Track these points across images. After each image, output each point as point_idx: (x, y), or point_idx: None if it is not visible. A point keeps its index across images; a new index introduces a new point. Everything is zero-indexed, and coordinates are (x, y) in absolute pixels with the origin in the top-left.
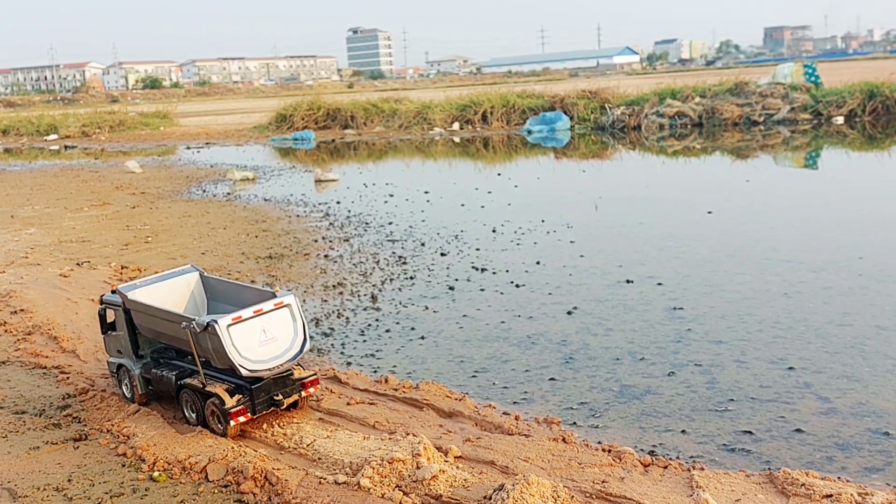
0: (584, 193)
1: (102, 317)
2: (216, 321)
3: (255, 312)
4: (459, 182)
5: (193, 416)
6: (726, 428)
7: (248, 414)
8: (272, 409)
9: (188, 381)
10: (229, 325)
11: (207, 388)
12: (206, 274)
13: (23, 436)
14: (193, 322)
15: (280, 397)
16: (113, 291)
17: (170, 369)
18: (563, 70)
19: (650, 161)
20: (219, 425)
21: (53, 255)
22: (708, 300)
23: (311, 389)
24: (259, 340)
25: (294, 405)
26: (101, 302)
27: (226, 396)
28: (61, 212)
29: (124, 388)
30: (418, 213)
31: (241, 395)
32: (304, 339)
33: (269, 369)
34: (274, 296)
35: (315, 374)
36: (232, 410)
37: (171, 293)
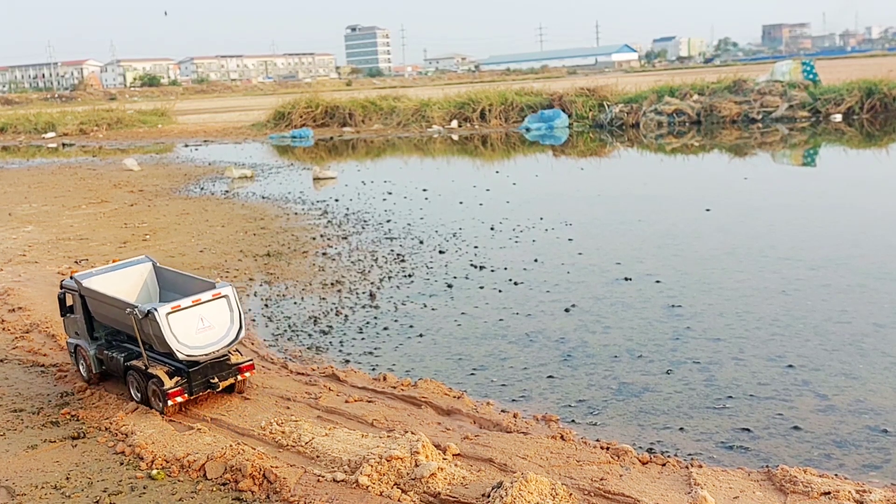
0: (582, 191)
1: (62, 300)
2: (156, 309)
3: (193, 302)
4: (458, 180)
5: (138, 395)
6: (724, 425)
7: (185, 395)
8: (208, 390)
9: (134, 362)
10: (168, 314)
11: (149, 370)
12: (158, 265)
13: (21, 434)
14: (136, 309)
15: (216, 380)
16: (71, 277)
17: (119, 351)
18: (562, 68)
19: (648, 159)
20: (159, 404)
21: (51, 252)
22: (706, 298)
23: (248, 374)
24: (197, 328)
25: (231, 388)
26: (62, 287)
27: (165, 378)
28: (59, 209)
29: (81, 367)
30: (416, 211)
31: (179, 377)
32: (240, 327)
33: (206, 354)
34: (214, 286)
35: (251, 360)
36: (170, 391)
37: (125, 282)
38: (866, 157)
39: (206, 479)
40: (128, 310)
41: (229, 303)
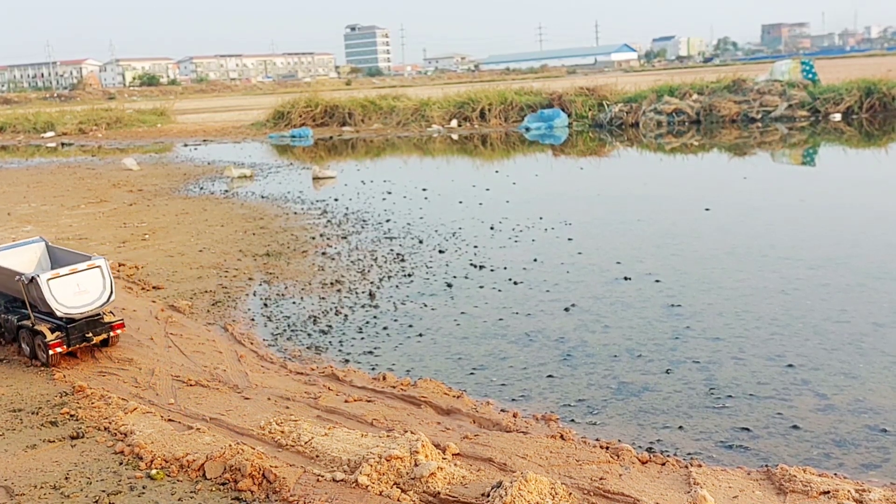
0: (581, 191)
1: None
2: (38, 276)
3: (70, 271)
4: (457, 179)
5: (27, 349)
6: (724, 425)
7: (64, 346)
8: (84, 343)
9: (24, 322)
10: (49, 280)
11: (36, 327)
12: (50, 244)
13: (19, 434)
14: (23, 276)
15: (91, 335)
16: None
17: (14, 314)
18: (561, 67)
19: (648, 158)
20: (43, 356)
21: None
22: (706, 297)
23: (119, 331)
24: (74, 292)
25: (105, 343)
26: None
27: (48, 332)
28: (58, 209)
29: None
30: (416, 211)
31: (59, 332)
32: (111, 292)
33: (81, 313)
34: (90, 259)
35: (121, 320)
36: (51, 342)
37: (21, 259)
38: (866, 157)
39: (206, 478)
40: (17, 277)
41: (102, 273)
